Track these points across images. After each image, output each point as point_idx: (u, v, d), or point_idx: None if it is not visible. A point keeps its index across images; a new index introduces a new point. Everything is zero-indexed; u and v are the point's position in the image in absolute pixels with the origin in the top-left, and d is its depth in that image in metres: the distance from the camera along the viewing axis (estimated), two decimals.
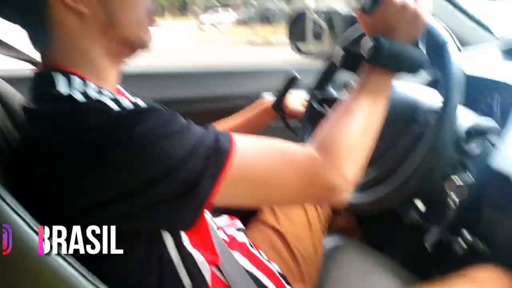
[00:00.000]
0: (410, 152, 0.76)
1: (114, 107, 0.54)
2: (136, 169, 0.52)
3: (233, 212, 0.99)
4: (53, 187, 0.53)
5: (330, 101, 1.03)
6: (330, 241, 1.10)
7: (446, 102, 0.72)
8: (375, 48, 0.65)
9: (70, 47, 0.61)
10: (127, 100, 0.57)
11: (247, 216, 1.05)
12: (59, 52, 0.62)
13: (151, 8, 0.65)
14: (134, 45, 0.65)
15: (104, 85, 0.62)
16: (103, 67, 0.64)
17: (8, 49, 0.70)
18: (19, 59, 0.72)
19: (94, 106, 0.54)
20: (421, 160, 0.73)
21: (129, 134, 0.52)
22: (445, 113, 0.71)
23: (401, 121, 0.85)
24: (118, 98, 0.56)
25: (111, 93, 0.59)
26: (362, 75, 0.68)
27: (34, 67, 0.67)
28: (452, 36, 0.76)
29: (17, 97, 0.71)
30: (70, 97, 0.55)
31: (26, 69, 0.68)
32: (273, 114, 1.11)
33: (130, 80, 1.09)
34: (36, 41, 0.63)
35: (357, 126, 0.64)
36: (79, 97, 0.55)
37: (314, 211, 1.06)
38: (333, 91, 1.05)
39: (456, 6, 1.28)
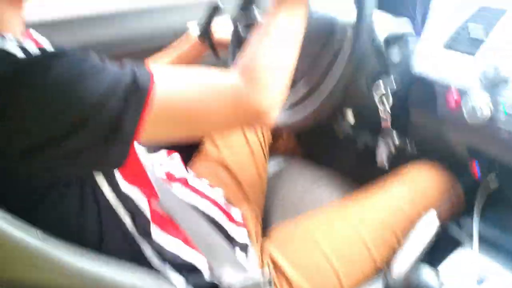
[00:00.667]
0: (333, 66, 0.78)
1: (20, 54, 0.51)
2: (53, 117, 0.50)
3: (172, 146, 0.99)
4: None
5: (255, 25, 1.02)
6: (273, 164, 1.14)
7: (359, 14, 0.73)
8: None
9: None
10: (35, 46, 0.54)
11: (188, 151, 1.05)
12: None
13: None
14: None
15: (9, 32, 0.58)
16: (2, 12, 0.60)
17: None
18: None
19: None
20: (342, 71, 0.74)
21: (40, 80, 0.49)
22: (359, 25, 0.72)
23: (322, 38, 0.85)
24: (24, 44, 0.53)
25: (17, 39, 0.56)
26: None
27: None
28: None
29: None
30: None
31: None
32: (202, 46, 1.09)
33: (48, 29, 1.03)
34: None
35: (276, 47, 0.64)
36: None
37: (255, 136, 1.07)
38: (257, 15, 1.03)
39: None
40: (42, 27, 0.96)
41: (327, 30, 0.85)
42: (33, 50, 0.52)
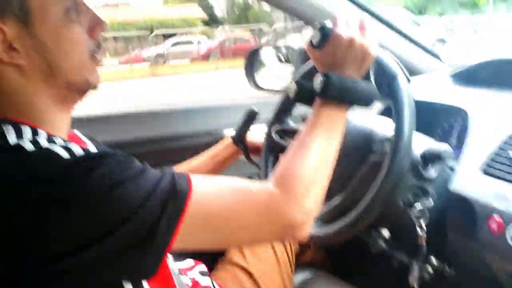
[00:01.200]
0: (370, 182, 0.77)
1: (65, 155, 0.52)
2: (91, 219, 0.50)
3: (198, 255, 0.96)
4: (3, 243, 0.50)
5: (290, 133, 1.04)
6: (300, 276, 1.09)
7: (399, 132, 0.73)
8: (324, 82, 0.67)
9: (16, 100, 0.59)
10: (79, 147, 0.55)
11: (213, 258, 1.02)
12: (7, 105, 0.60)
13: (93, 48, 0.63)
14: (81, 89, 0.63)
15: (57, 132, 0.61)
16: (53, 115, 0.62)
17: None
18: None
19: (43, 156, 0.52)
20: (380, 188, 0.73)
21: (81, 183, 0.50)
22: (398, 142, 0.73)
23: (359, 152, 0.86)
24: (69, 145, 0.54)
25: (63, 140, 0.58)
26: (315, 109, 0.69)
27: None
28: (401, 67, 0.78)
29: None
30: (18, 147, 0.53)
31: None
32: (236, 151, 1.11)
33: (88, 124, 1.07)
34: None
35: (313, 160, 0.65)
36: (28, 146, 0.53)
37: (282, 246, 1.04)
38: (292, 123, 1.06)
39: (405, 36, 1.33)
40: (83, 122, 1.00)
41: (364, 144, 0.85)
42: (78, 151, 0.54)
